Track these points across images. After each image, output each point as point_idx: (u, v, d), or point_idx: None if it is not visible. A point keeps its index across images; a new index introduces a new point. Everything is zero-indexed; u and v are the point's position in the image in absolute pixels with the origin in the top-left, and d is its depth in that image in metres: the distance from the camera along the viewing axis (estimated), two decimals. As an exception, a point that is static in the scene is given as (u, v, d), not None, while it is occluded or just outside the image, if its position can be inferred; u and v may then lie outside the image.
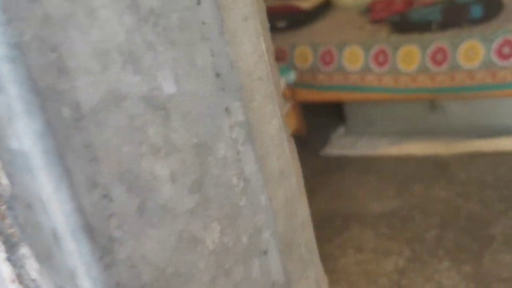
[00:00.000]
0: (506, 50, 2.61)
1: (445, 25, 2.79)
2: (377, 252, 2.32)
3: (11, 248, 0.54)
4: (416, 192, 2.69)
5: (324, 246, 2.42)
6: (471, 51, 2.69)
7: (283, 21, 3.26)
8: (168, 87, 0.55)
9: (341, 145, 3.32)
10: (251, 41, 0.64)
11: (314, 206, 2.82)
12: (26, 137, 0.44)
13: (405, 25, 2.90)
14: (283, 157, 0.69)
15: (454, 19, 2.78)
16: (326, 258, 2.32)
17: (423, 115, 3.11)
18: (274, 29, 0.73)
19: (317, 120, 3.73)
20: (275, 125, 0.67)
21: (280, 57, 3.18)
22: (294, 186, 0.73)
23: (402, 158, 3.01)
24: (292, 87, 2.96)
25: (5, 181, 0.50)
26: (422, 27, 2.84)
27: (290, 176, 0.72)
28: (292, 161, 0.73)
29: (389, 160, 3.03)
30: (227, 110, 0.61)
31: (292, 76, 2.92)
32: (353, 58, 2.99)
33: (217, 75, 0.60)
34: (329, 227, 2.56)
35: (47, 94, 0.44)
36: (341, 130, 3.48)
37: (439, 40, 2.76)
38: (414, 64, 2.83)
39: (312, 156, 3.32)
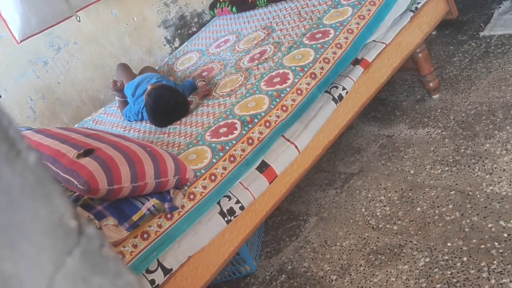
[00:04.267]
0: None
1: None
2: (547, 148, 2.05)
3: None
4: None
5: (483, 144, 2.21)
6: None
7: None
8: None
9: (506, 22, 2.88)
10: None
11: (471, 98, 2.55)
12: None
13: None
14: None
15: None
16: (485, 158, 2.12)
17: None
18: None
19: (474, -4, 3.27)
20: None
21: None
22: None
23: None
24: (440, -35, 2.58)
25: None
26: None
27: None
28: None
29: None
30: None
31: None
32: None
33: None
34: (488, 121, 2.31)
35: None
36: (505, 5, 3.01)
37: None
38: None
39: (470, 39, 2.96)
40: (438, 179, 2.18)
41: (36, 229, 0.34)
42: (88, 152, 1.64)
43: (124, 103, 2.74)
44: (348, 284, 1.94)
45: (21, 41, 2.86)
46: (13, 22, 2.82)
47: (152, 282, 1.65)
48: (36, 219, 0.34)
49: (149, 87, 2.41)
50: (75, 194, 1.64)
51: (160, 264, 1.68)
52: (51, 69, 3.16)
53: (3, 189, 0.33)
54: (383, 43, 2.35)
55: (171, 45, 3.62)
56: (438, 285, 1.75)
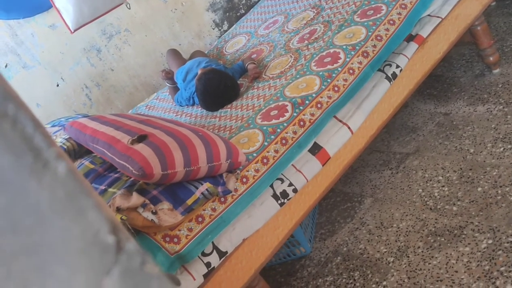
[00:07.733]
0: None
1: None
2: None
3: None
4: None
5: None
6: None
7: None
8: None
9: None
10: None
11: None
12: None
13: None
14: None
15: None
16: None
17: None
18: None
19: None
20: None
21: None
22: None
23: None
24: None
25: None
26: None
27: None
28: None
29: None
30: None
31: None
32: None
33: None
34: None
35: None
36: None
37: None
38: None
39: (533, 8, 2.79)
40: (500, 158, 2.08)
41: (68, 249, 0.30)
42: (141, 138, 1.66)
43: (175, 89, 2.76)
44: (406, 266, 1.90)
45: (75, 30, 2.93)
46: (66, 12, 2.89)
47: (208, 265, 1.66)
48: (68, 237, 0.30)
49: (199, 72, 2.42)
50: (131, 179, 1.67)
51: (215, 247, 1.70)
52: (104, 57, 3.23)
53: (29, 207, 0.29)
54: (438, 17, 2.25)
55: (220, 28, 3.61)
56: (502, 268, 1.68)
